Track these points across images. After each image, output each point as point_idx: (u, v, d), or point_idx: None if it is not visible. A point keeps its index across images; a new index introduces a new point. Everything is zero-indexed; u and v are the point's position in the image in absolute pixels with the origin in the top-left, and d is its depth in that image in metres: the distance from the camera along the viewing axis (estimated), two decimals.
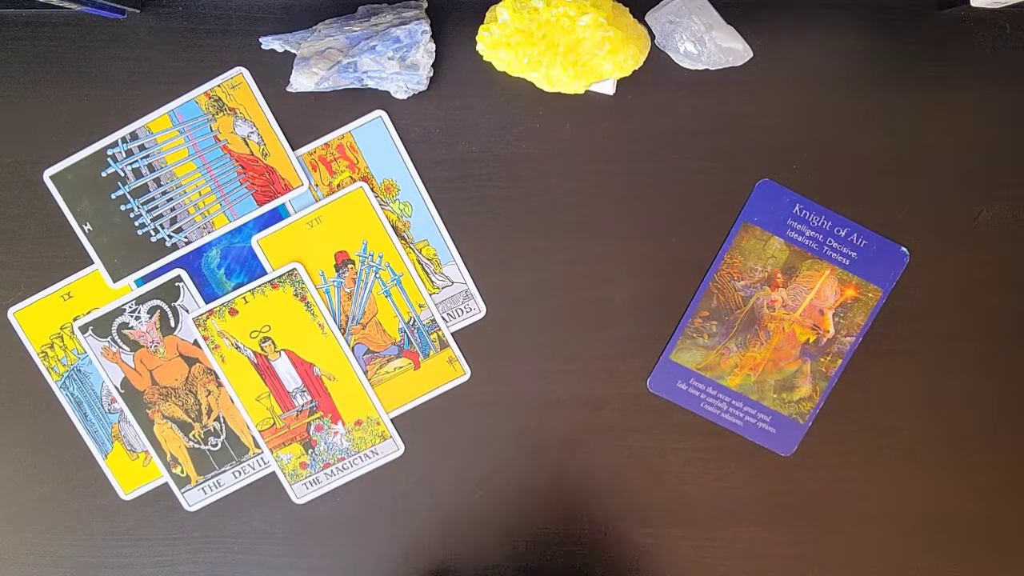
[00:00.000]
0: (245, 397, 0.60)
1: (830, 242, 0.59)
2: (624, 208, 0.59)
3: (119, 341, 0.59)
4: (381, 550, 0.61)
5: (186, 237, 0.58)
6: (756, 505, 0.61)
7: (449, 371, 0.60)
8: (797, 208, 0.59)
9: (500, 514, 0.61)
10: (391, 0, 0.57)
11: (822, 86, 0.58)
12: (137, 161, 0.58)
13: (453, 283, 0.60)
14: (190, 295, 0.59)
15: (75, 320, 0.59)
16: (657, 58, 0.57)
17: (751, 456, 0.61)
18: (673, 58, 0.57)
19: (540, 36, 0.53)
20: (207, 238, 0.58)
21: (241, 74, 0.57)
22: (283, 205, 0.59)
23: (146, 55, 0.58)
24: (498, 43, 0.53)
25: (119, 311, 0.59)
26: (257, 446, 0.60)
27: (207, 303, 0.59)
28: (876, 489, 0.61)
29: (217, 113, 0.58)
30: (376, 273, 0.59)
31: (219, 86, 0.57)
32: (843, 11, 0.58)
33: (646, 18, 0.56)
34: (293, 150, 0.58)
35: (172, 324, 0.59)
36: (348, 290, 0.59)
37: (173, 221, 0.58)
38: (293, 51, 0.56)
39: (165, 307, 0.59)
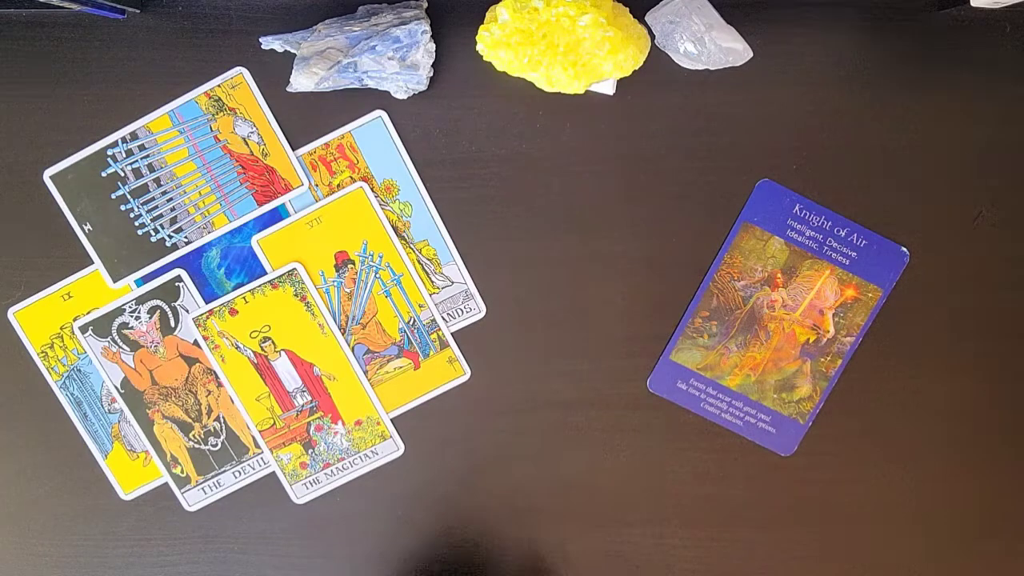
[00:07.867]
0: (245, 397, 0.60)
1: (830, 242, 0.59)
2: (624, 208, 0.59)
3: (119, 341, 0.59)
4: (381, 550, 0.61)
5: (186, 237, 0.58)
6: (756, 505, 0.61)
7: (449, 371, 0.60)
8: (797, 208, 0.59)
9: (499, 514, 0.61)
10: (391, 0, 0.57)
11: (822, 86, 0.58)
12: (137, 161, 0.58)
13: (453, 283, 0.60)
14: (190, 295, 0.59)
15: (75, 320, 0.59)
16: (657, 58, 0.57)
17: (751, 456, 0.61)
18: (673, 58, 0.57)
19: (540, 36, 0.53)
20: (207, 238, 0.58)
21: (241, 74, 0.57)
22: (283, 205, 0.58)
23: (146, 55, 0.58)
24: (498, 43, 0.53)
25: (119, 311, 0.59)
26: (257, 446, 0.60)
27: (207, 303, 0.59)
28: (876, 489, 0.61)
29: (217, 113, 0.58)
30: (376, 273, 0.59)
31: (219, 86, 0.57)
32: (843, 11, 0.58)
33: (646, 18, 0.56)
34: (293, 150, 0.58)
35: (172, 324, 0.59)
36: (348, 290, 0.59)
37: (173, 221, 0.58)
38: (293, 51, 0.56)
39: (165, 307, 0.59)
